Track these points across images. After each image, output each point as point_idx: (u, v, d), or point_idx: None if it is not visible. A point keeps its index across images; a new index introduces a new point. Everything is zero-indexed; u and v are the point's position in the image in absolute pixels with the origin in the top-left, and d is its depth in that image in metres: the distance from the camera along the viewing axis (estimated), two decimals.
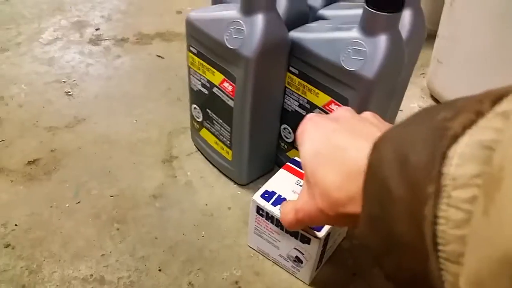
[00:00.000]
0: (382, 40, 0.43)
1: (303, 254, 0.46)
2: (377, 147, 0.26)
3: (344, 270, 0.51)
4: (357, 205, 0.29)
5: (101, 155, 0.64)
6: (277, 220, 0.45)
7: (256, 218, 0.48)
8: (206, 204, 0.57)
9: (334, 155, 0.32)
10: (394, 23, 0.43)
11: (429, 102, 0.80)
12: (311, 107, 0.52)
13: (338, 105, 0.47)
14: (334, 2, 0.58)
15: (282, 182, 0.48)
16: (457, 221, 0.20)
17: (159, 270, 0.49)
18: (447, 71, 0.74)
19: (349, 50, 0.44)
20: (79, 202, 0.57)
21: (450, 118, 0.22)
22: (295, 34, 0.50)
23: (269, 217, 0.46)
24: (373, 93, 0.44)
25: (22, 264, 0.49)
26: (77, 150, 0.65)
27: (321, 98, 0.49)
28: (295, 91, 0.53)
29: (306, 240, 0.44)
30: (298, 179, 0.48)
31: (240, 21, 0.48)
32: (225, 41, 0.49)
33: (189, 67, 0.58)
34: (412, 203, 0.22)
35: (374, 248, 0.26)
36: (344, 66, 0.44)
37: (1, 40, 0.90)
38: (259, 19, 0.47)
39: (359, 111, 0.45)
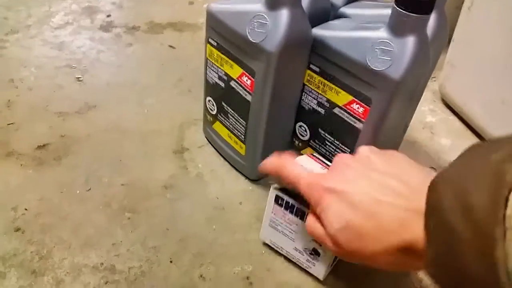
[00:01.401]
0: (410, 41, 0.42)
1: (321, 245, 0.45)
2: (434, 190, 0.28)
3: (358, 268, 0.50)
4: (399, 261, 0.34)
5: (112, 143, 0.64)
6: (297, 209, 0.45)
7: (273, 209, 0.47)
8: (217, 198, 0.57)
9: (369, 227, 0.35)
10: (423, 25, 0.43)
11: (440, 106, 0.80)
12: (331, 106, 0.51)
13: (360, 105, 0.47)
14: (356, 1, 0.58)
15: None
16: None
17: (170, 261, 0.49)
18: (460, 75, 0.74)
19: (376, 50, 0.44)
20: (90, 189, 0.56)
21: (504, 161, 0.24)
22: (318, 31, 0.50)
23: (289, 207, 0.46)
24: (398, 94, 0.44)
25: (32, 249, 0.49)
26: (87, 137, 0.64)
27: (342, 97, 0.49)
28: (315, 89, 0.52)
29: None
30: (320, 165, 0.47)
31: (264, 15, 0.47)
32: (247, 34, 0.48)
33: (206, 59, 0.58)
34: (481, 245, 0.23)
35: (445, 285, 0.28)
36: (370, 66, 0.44)
37: (11, 22, 0.89)
38: (284, 14, 0.46)
39: (382, 112, 0.45)
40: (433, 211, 0.28)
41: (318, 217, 0.39)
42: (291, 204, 0.46)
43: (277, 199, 0.47)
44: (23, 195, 0.55)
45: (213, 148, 0.65)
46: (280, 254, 0.51)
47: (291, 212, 0.46)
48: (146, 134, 0.66)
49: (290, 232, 0.48)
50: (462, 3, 0.72)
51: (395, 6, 0.42)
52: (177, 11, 1.00)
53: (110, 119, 0.68)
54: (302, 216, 0.45)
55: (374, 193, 0.35)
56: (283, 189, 0.46)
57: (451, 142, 0.72)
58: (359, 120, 0.48)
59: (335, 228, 0.36)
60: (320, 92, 0.52)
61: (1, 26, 0.88)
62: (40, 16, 0.93)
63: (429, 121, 0.76)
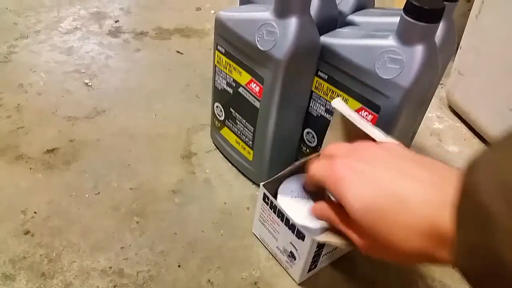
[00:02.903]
0: (419, 50, 0.43)
1: (297, 250, 0.47)
2: (471, 173, 0.25)
3: (363, 278, 0.51)
4: (425, 250, 0.30)
5: (120, 148, 0.64)
6: (279, 211, 0.46)
7: (262, 206, 0.49)
8: (225, 203, 0.57)
9: (394, 208, 0.31)
10: (432, 33, 0.43)
11: (447, 113, 0.80)
12: None
13: (369, 112, 0.47)
14: (363, 9, 0.58)
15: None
16: None
17: (179, 266, 0.49)
18: (468, 83, 0.74)
19: (384, 58, 0.44)
20: (99, 193, 0.57)
21: None
22: (326, 39, 0.50)
23: (272, 206, 0.47)
24: (407, 102, 0.44)
25: (41, 252, 0.49)
26: (96, 142, 0.65)
27: (350, 105, 0.49)
28: (323, 96, 0.53)
29: (301, 236, 0.45)
30: None
31: (273, 23, 0.48)
32: (256, 42, 0.49)
33: (215, 66, 0.58)
34: None
35: (476, 278, 0.26)
36: (379, 74, 0.44)
37: (21, 27, 0.90)
38: (293, 22, 0.47)
39: (391, 119, 0.46)
40: (467, 193, 0.25)
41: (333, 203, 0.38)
42: (274, 204, 0.47)
43: (264, 197, 0.48)
44: (33, 199, 0.55)
45: (220, 154, 0.65)
46: None
47: (274, 212, 0.47)
48: (154, 138, 0.67)
49: (274, 230, 0.49)
50: (468, 10, 0.72)
51: (404, 15, 0.43)
52: (184, 17, 1.01)
53: (118, 124, 0.68)
54: (282, 218, 0.46)
55: (398, 173, 0.32)
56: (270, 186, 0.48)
57: (459, 150, 0.72)
58: None
59: (356, 207, 0.33)
60: (328, 99, 0.52)
61: (10, 31, 0.88)
62: (48, 21, 0.94)
63: (436, 127, 0.76)
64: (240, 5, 0.63)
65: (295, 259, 0.48)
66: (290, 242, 0.47)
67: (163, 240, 0.52)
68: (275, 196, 0.48)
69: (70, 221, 0.53)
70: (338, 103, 0.45)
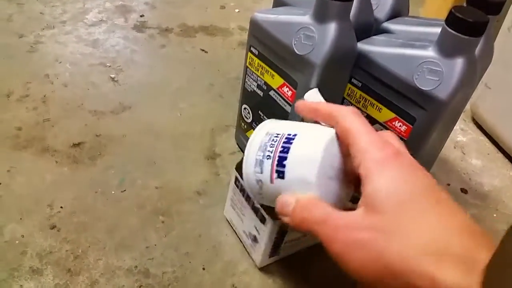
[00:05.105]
0: (459, 63, 0.42)
1: (259, 234, 0.47)
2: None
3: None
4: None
5: (146, 145, 0.64)
6: (248, 194, 0.47)
7: (233, 189, 0.50)
8: None
9: (430, 213, 0.29)
10: (473, 46, 0.42)
11: (471, 126, 0.79)
12: (371, 122, 0.50)
13: (403, 123, 0.47)
14: (398, 16, 0.58)
15: None
16: None
17: (203, 268, 0.49)
18: (495, 96, 0.73)
19: (424, 69, 0.43)
20: (125, 190, 0.56)
21: None
22: (362, 45, 0.50)
23: (242, 189, 0.48)
24: (444, 114, 0.44)
25: (67, 247, 0.49)
26: (122, 138, 0.64)
27: (383, 114, 0.49)
28: (355, 103, 0.52)
29: (262, 220, 0.45)
30: None
31: (312, 27, 0.47)
32: (293, 45, 0.48)
33: (246, 67, 0.58)
34: None
35: None
36: (417, 85, 0.44)
37: (47, 18, 0.90)
38: (332, 27, 0.46)
39: (425, 132, 0.45)
40: None
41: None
42: (243, 187, 0.48)
43: (236, 180, 0.49)
44: (59, 193, 0.55)
45: None
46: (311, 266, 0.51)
47: (243, 195, 0.48)
48: (179, 137, 0.66)
49: (242, 214, 0.50)
50: (496, 21, 0.71)
51: (446, 27, 0.42)
52: (209, 15, 1.01)
53: (144, 120, 0.68)
54: (248, 200, 0.47)
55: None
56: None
57: (482, 164, 0.71)
58: (401, 138, 0.48)
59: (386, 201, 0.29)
60: (360, 107, 0.52)
61: (37, 21, 0.89)
62: (74, 12, 0.94)
63: (460, 140, 0.76)
64: (273, 7, 0.63)
65: (257, 243, 0.48)
66: (254, 226, 0.47)
67: (188, 242, 0.52)
68: None
69: (96, 218, 0.53)
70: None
